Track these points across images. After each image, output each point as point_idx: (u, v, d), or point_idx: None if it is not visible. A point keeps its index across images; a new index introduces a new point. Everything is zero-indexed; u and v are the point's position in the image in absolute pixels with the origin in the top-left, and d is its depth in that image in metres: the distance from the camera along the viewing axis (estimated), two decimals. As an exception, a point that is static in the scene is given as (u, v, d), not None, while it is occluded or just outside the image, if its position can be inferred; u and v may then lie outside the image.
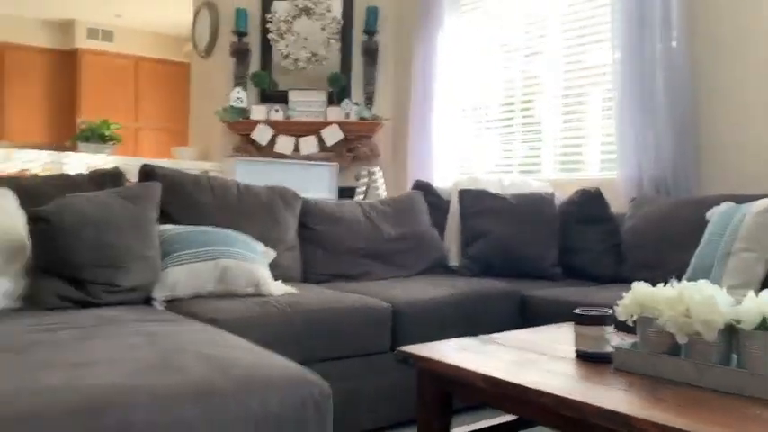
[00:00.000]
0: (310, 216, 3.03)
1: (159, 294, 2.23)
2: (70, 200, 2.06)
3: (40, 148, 7.33)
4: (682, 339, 1.42)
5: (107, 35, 8.04)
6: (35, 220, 1.98)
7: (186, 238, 2.33)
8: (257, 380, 1.29)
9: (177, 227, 2.44)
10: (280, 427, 1.27)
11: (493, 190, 3.38)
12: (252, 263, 2.38)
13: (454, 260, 3.36)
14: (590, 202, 3.21)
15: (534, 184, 3.61)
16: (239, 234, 2.49)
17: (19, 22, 7.77)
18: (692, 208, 2.87)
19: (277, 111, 4.88)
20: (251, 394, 1.26)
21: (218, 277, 2.30)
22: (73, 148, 5.50)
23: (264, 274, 2.41)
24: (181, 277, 2.24)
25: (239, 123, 4.89)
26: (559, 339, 1.86)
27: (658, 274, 2.80)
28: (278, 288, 2.42)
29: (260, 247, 2.53)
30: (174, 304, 2.22)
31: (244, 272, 2.34)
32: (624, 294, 1.55)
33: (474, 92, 4.47)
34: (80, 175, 2.47)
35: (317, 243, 3.00)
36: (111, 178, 2.49)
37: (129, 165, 3.70)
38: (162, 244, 2.29)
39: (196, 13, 5.54)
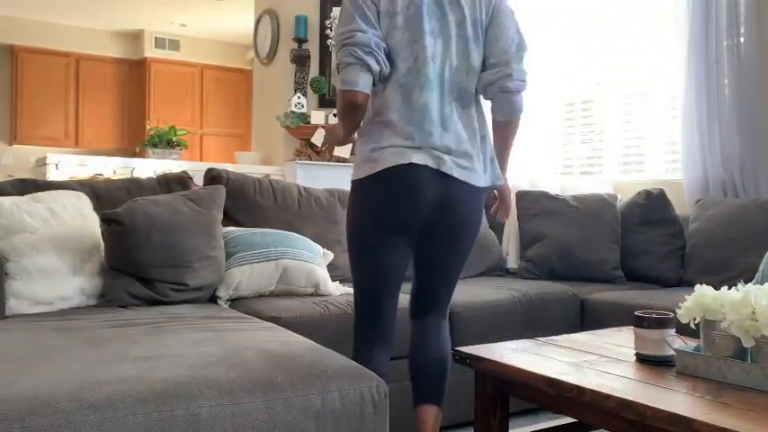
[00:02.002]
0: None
1: (223, 293, 2.31)
2: (140, 203, 2.16)
3: (112, 153, 7.68)
4: (748, 343, 1.38)
5: (173, 44, 8.33)
6: (107, 222, 2.08)
7: (249, 240, 2.40)
8: (317, 375, 1.33)
9: (240, 229, 2.52)
10: (339, 421, 1.31)
11: (552, 192, 3.34)
12: (311, 263, 2.43)
13: (513, 263, 3.34)
14: (653, 204, 3.14)
15: (595, 185, 3.54)
16: (299, 235, 2.55)
17: (92, 34, 8.14)
18: (761, 210, 2.77)
19: (335, 115, 4.95)
20: (311, 389, 1.29)
21: (279, 277, 2.37)
22: (142, 154, 5.73)
23: (323, 274, 2.46)
24: (243, 277, 2.32)
25: (299, 128, 4.99)
26: (619, 342, 1.83)
27: (724, 278, 2.72)
28: (336, 288, 2.47)
29: (319, 248, 2.59)
30: (237, 303, 2.29)
31: (303, 272, 2.39)
32: (687, 297, 1.52)
33: (533, 93, 4.42)
34: (149, 179, 2.58)
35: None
36: (178, 182, 2.59)
37: (196, 169, 3.84)
38: (226, 245, 2.37)
39: (257, 21, 5.68)
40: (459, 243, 1.82)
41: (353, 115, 1.72)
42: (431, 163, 1.69)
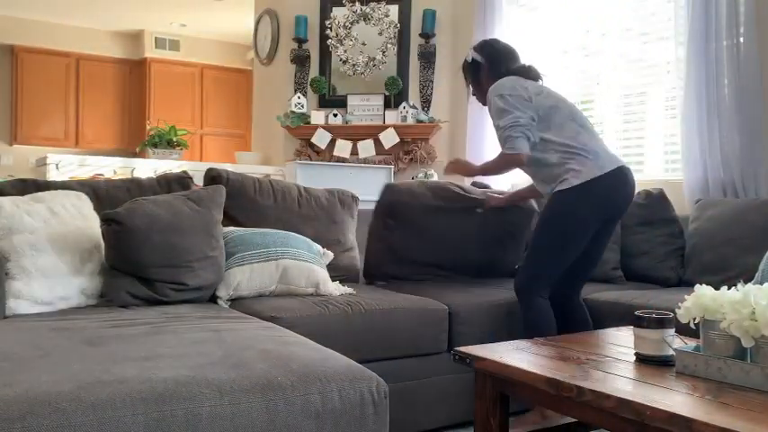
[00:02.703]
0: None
1: (223, 293, 2.31)
2: (140, 203, 2.16)
3: (112, 153, 7.68)
4: (747, 343, 1.38)
5: (174, 44, 8.34)
6: (108, 222, 2.08)
7: (249, 240, 2.40)
8: (317, 375, 1.33)
9: (240, 229, 2.52)
10: (339, 421, 1.31)
11: (552, 192, 3.34)
12: (311, 263, 2.43)
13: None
14: (653, 204, 3.14)
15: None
16: (299, 235, 2.55)
17: (92, 34, 8.14)
18: (761, 210, 2.77)
19: (336, 115, 4.95)
20: (311, 389, 1.30)
21: (279, 277, 2.37)
22: (142, 154, 5.73)
23: (323, 274, 2.46)
24: (243, 277, 2.32)
25: (300, 128, 4.99)
26: (618, 342, 1.83)
27: (724, 278, 2.72)
28: (337, 288, 2.47)
29: (319, 248, 2.59)
30: (237, 303, 2.29)
31: (304, 272, 2.40)
32: (687, 297, 1.52)
33: (532, 93, 4.43)
34: (149, 180, 2.58)
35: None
36: (178, 182, 2.59)
37: (196, 169, 3.84)
38: (226, 245, 2.37)
39: (257, 21, 5.68)
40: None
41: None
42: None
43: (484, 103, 2.67)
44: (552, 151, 2.43)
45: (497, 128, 2.48)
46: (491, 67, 2.62)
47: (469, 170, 2.71)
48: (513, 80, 2.51)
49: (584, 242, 2.39)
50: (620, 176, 2.40)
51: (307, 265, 2.41)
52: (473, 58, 2.67)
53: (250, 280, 2.33)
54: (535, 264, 2.41)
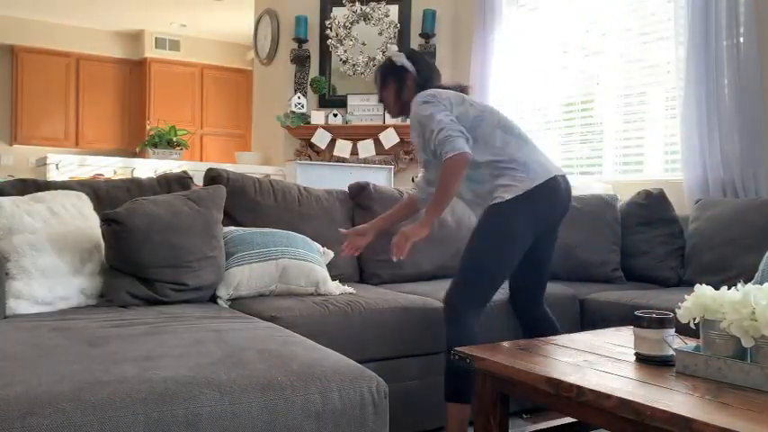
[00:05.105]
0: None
1: (223, 293, 2.31)
2: (140, 203, 2.16)
3: (112, 153, 7.67)
4: (747, 343, 1.38)
5: (174, 44, 8.33)
6: (108, 222, 2.08)
7: (248, 240, 2.40)
8: (317, 375, 1.33)
9: (240, 229, 2.52)
10: (339, 421, 1.31)
11: (552, 192, 3.34)
12: (311, 263, 2.43)
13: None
14: (653, 204, 3.14)
15: (595, 185, 3.54)
16: (299, 235, 2.55)
17: (92, 34, 8.14)
18: (761, 210, 2.77)
19: (336, 115, 4.95)
20: (311, 389, 1.30)
21: (279, 277, 2.37)
22: (142, 154, 5.73)
23: (323, 273, 2.46)
24: (243, 277, 2.32)
25: (300, 128, 4.99)
26: (618, 342, 1.83)
27: (723, 278, 2.72)
28: (337, 288, 2.47)
29: (319, 247, 2.59)
30: (237, 303, 2.29)
31: (303, 271, 2.40)
32: (687, 297, 1.52)
33: (533, 93, 4.43)
34: (149, 179, 2.58)
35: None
36: (178, 182, 2.59)
37: (196, 169, 3.84)
38: (226, 245, 2.37)
39: (258, 21, 5.68)
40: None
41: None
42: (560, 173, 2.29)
43: (395, 114, 2.49)
44: (481, 165, 2.26)
45: (431, 133, 2.21)
46: (419, 76, 2.41)
47: (424, 225, 2.26)
48: (434, 89, 2.34)
49: (517, 258, 2.22)
50: (552, 187, 2.23)
51: (306, 264, 2.41)
52: (402, 64, 2.42)
53: (250, 280, 2.33)
54: (467, 281, 2.20)
